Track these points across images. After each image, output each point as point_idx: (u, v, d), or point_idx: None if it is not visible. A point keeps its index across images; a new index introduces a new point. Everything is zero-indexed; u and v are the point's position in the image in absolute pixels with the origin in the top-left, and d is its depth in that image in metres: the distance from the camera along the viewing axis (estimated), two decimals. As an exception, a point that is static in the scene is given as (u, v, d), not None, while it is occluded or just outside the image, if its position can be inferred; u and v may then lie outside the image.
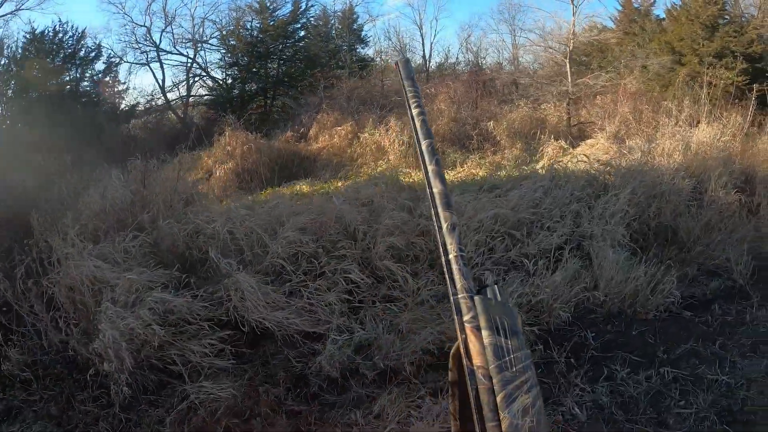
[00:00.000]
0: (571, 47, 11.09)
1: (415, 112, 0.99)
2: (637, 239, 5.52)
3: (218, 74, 19.32)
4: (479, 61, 20.05)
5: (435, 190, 0.90)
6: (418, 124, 0.97)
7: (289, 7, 19.22)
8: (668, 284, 4.60)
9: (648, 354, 4.06)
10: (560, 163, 7.28)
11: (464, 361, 0.79)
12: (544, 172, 6.47)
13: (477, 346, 0.78)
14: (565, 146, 8.88)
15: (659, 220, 5.80)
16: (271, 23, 18.45)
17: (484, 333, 0.78)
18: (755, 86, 11.92)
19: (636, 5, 17.34)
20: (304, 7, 19.23)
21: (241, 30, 18.52)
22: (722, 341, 4.26)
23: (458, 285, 0.82)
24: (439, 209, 0.88)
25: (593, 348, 4.16)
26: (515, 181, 6.29)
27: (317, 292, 4.57)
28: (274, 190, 8.64)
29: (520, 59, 19.05)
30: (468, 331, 0.79)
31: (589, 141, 8.55)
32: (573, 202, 5.51)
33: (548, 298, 4.35)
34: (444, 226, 0.86)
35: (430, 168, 0.92)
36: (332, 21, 20.51)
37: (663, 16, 16.26)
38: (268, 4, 18.59)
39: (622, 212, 5.41)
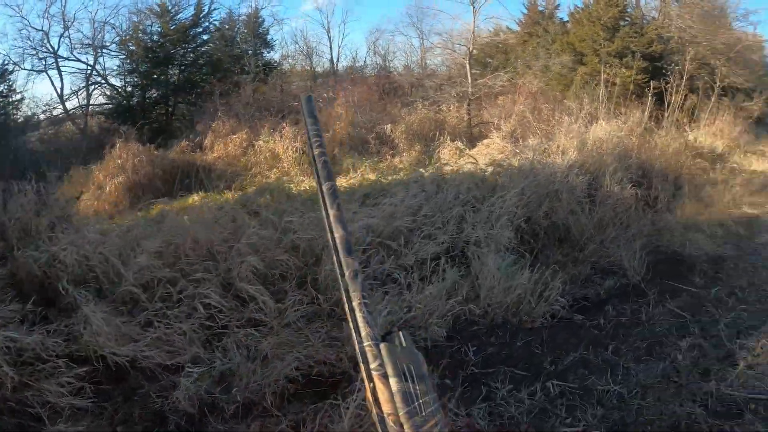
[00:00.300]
0: (471, 49, 10.85)
1: (316, 152, 0.94)
2: (528, 241, 5.19)
3: (118, 82, 18.06)
4: (387, 64, 19.73)
5: (336, 236, 0.87)
6: (319, 166, 0.93)
7: (191, 11, 18.20)
8: (554, 290, 4.24)
9: (533, 366, 3.71)
10: (454, 165, 6.94)
11: (374, 410, 0.79)
12: (430, 175, 6.07)
13: (385, 393, 0.78)
14: (462, 147, 8.60)
15: (552, 219, 5.51)
16: (172, 27, 17.48)
17: (392, 380, 0.78)
18: (653, 83, 12.20)
19: (541, 8, 17.57)
20: (207, 10, 18.33)
21: (140, 34, 17.42)
22: (615, 345, 3.97)
23: (363, 333, 0.81)
24: (341, 255, 0.86)
25: (473, 364, 3.75)
26: (400, 187, 5.82)
27: (176, 320, 4.05)
28: (166, 204, 7.90)
29: (428, 62, 18.86)
30: (376, 379, 0.79)
31: (485, 141, 8.27)
32: (457, 206, 5.10)
33: (423, 314, 3.89)
34: (347, 272, 0.85)
35: (331, 213, 0.89)
36: (237, 25, 19.69)
37: (566, 19, 16.56)
38: (170, 7, 17.56)
39: (510, 214, 5.05)
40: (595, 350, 3.90)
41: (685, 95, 12.13)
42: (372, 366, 0.79)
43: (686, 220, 6.59)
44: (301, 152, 9.43)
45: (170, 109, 17.32)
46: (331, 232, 0.88)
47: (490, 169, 6.48)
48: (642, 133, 8.79)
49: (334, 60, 22.44)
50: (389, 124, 10.58)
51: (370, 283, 4.24)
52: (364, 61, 21.46)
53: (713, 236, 6.36)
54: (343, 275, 0.85)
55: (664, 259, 5.67)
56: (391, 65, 20.15)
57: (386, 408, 0.77)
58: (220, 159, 10.60)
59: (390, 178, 6.81)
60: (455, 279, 4.22)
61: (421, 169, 6.85)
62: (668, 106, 10.75)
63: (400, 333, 0.85)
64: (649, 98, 10.83)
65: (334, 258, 0.87)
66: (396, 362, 0.79)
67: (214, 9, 18.72)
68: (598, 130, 7.71)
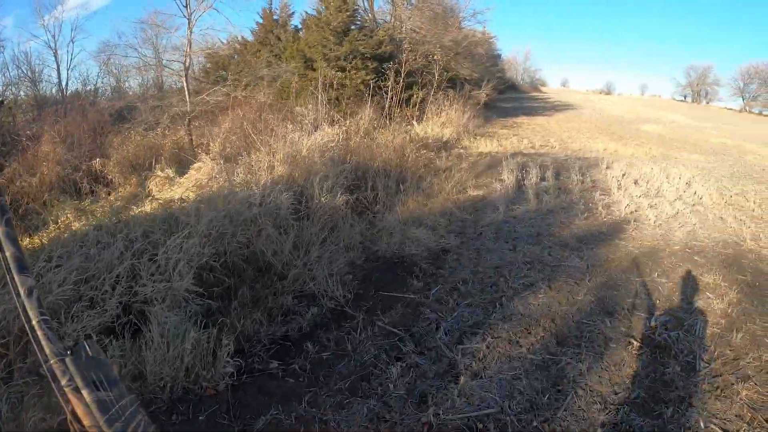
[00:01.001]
0: (187, 64, 9.79)
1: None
2: (222, 281, 4.37)
3: None
4: (121, 85, 17.68)
5: (7, 254, 0.83)
6: None
7: None
8: (227, 348, 3.47)
9: (218, 447, 2.92)
10: (162, 197, 5.92)
11: (74, 428, 0.76)
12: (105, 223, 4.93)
13: (81, 407, 0.76)
14: (172, 175, 7.57)
15: (250, 248, 4.75)
16: None
17: (84, 392, 0.77)
18: (382, 84, 12.35)
19: (276, 17, 17.11)
20: None
21: None
22: (312, 394, 3.34)
23: (47, 350, 0.78)
24: (14, 274, 0.82)
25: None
26: (74, 242, 4.61)
27: None
28: None
29: (166, 79, 17.32)
30: (69, 395, 0.77)
31: (196, 165, 7.31)
32: (128, 258, 4.07)
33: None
34: (21, 291, 0.81)
35: (0, 230, 0.84)
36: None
37: (300, 26, 16.31)
38: None
39: (192, 255, 4.18)
40: (288, 405, 3.23)
41: (407, 90, 12.50)
42: (62, 382, 0.77)
43: (408, 216, 6.36)
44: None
45: None
46: (2, 251, 0.83)
47: (192, 195, 5.58)
48: (365, 134, 8.59)
49: (62, 85, 19.64)
50: (97, 159, 9.06)
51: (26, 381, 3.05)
52: (95, 83, 19.06)
53: (436, 228, 6.18)
54: (18, 294, 0.81)
55: (380, 267, 5.27)
56: (127, 85, 18.08)
57: (87, 422, 0.76)
58: None
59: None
60: (117, 355, 3.23)
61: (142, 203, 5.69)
62: (389, 102, 10.85)
63: (86, 343, 0.83)
64: (370, 98, 10.84)
65: (7, 277, 0.82)
66: (84, 373, 0.78)
67: None
68: (319, 138, 7.23)
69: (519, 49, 65.42)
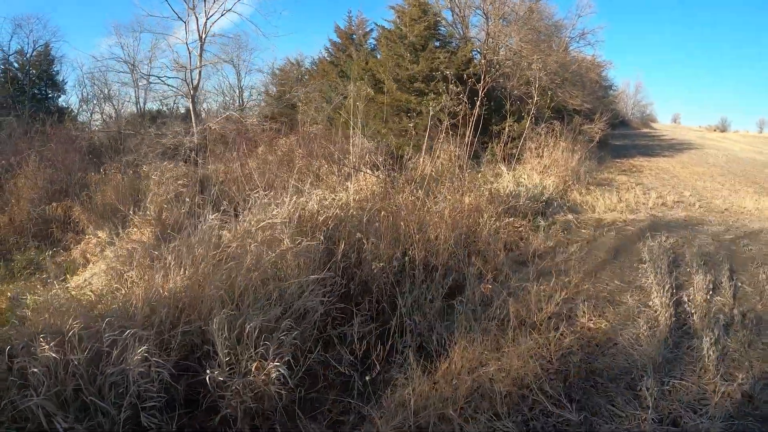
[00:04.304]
0: (192, 84, 6.86)
1: None
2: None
3: None
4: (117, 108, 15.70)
5: None
6: None
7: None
8: None
9: None
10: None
11: None
12: None
13: None
14: (107, 240, 4.58)
15: None
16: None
17: None
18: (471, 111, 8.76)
19: (353, 36, 14.16)
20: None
21: None
22: None
23: None
24: None
25: None
26: None
27: None
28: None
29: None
30: None
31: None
32: None
33: None
34: None
35: None
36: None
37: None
38: None
39: None
40: None
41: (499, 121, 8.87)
42: None
43: (438, 400, 2.82)
44: None
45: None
46: None
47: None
48: (419, 187, 5.11)
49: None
50: (65, 201, 6.36)
51: None
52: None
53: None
54: None
55: None
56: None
57: None
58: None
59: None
60: None
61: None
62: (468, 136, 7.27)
63: None
64: (452, 131, 7.35)
65: None
66: None
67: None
68: (316, 199, 3.86)
69: (628, 81, 58.24)
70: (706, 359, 3.31)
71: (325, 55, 14.47)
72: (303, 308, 3.07)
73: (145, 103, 17.10)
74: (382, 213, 4.02)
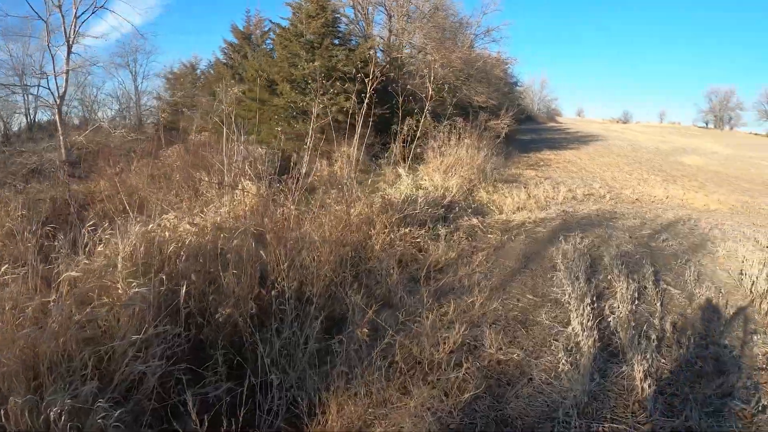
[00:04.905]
0: (59, 92, 5.89)
1: None
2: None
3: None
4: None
5: None
6: None
7: None
8: None
9: None
10: None
11: None
12: None
13: None
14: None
15: None
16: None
17: None
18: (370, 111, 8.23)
19: (251, 35, 13.28)
20: None
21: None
22: None
23: None
24: None
25: None
26: None
27: None
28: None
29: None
30: None
31: None
32: None
33: None
34: None
35: None
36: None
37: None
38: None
39: None
40: None
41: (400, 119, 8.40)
42: None
43: None
44: None
45: None
46: None
47: None
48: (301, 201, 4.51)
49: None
50: None
51: None
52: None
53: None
54: None
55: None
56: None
57: None
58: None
59: None
60: None
61: None
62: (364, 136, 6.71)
63: None
64: (344, 131, 6.79)
65: None
66: None
67: None
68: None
69: (534, 77, 60.22)
70: (640, 390, 2.89)
71: (221, 56, 13.52)
72: (135, 375, 2.38)
73: (35, 115, 15.41)
74: (249, 236, 3.37)
